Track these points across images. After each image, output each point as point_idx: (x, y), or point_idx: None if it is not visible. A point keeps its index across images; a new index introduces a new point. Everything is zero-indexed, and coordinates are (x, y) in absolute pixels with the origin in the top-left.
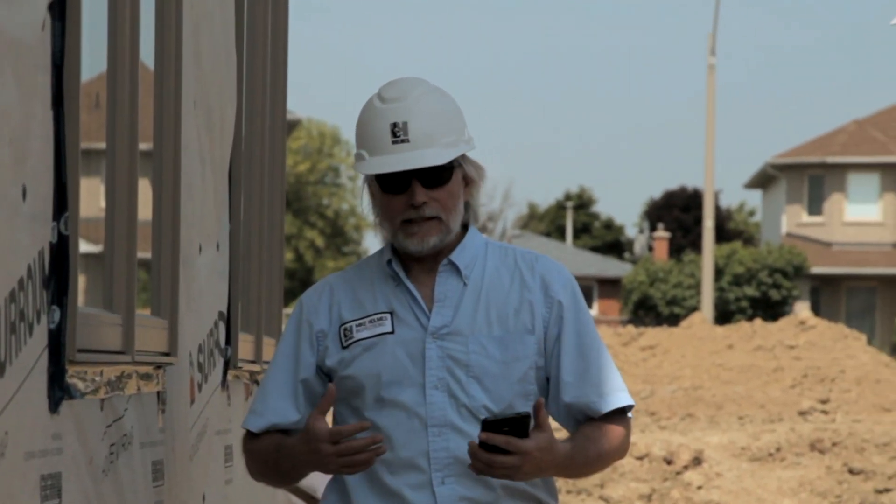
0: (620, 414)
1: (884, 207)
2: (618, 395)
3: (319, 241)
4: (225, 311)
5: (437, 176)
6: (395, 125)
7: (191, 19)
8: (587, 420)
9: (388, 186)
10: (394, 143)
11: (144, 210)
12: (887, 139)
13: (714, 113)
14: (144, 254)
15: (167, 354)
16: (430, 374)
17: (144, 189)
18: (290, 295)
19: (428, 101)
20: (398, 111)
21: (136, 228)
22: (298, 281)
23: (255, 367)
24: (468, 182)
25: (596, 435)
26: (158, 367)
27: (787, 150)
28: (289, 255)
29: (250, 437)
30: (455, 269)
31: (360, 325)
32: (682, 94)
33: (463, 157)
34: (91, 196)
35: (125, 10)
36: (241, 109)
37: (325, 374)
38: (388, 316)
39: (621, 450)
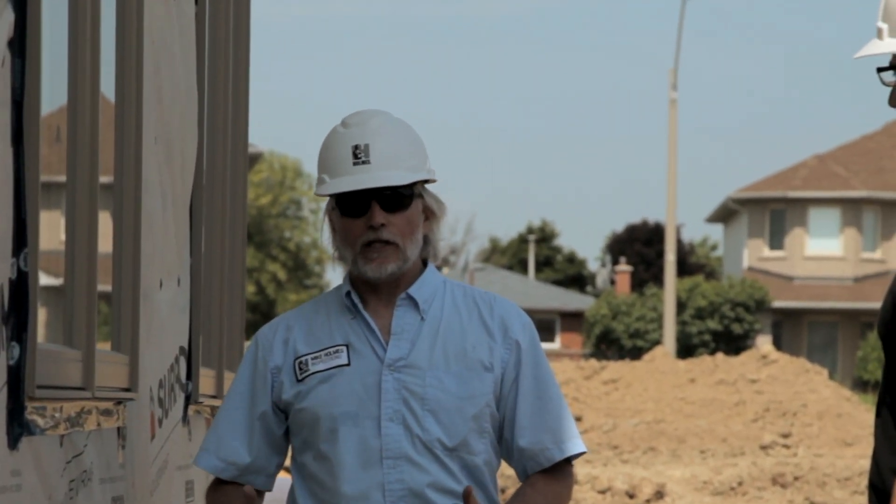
0: (566, 462)
1: (844, 242)
2: (573, 442)
3: (281, 275)
4: (186, 346)
5: (397, 200)
6: (356, 147)
7: (151, 55)
8: (529, 478)
9: (348, 209)
10: (354, 164)
11: (105, 243)
12: (848, 174)
13: (676, 147)
14: (105, 286)
15: (128, 390)
16: (386, 407)
17: (105, 222)
18: (252, 328)
19: (390, 127)
20: (360, 134)
21: (96, 263)
22: (260, 314)
23: (217, 402)
24: (428, 215)
25: (539, 502)
26: (119, 402)
27: (748, 184)
28: (251, 289)
29: (217, 484)
30: (413, 303)
31: (315, 357)
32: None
33: (424, 188)
34: (51, 229)
35: (86, 42)
36: (203, 143)
37: (281, 410)
38: (345, 348)
39: None
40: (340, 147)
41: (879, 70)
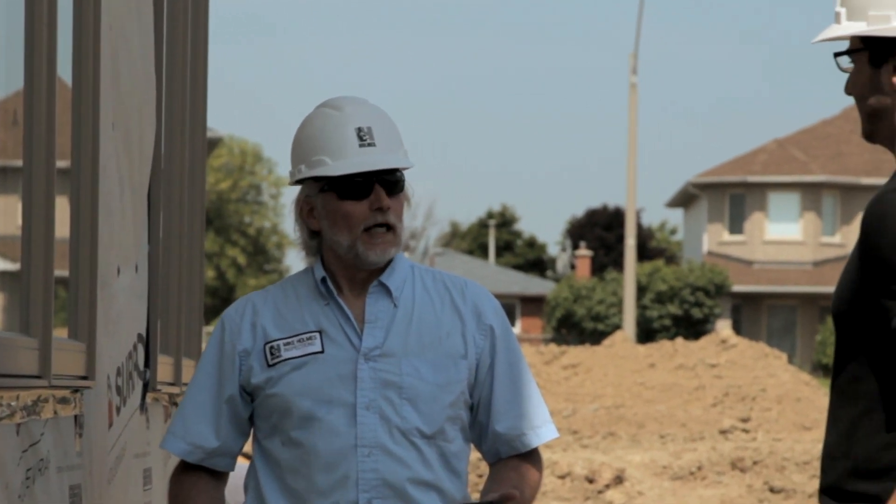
0: (536, 448)
1: (804, 226)
2: (548, 427)
3: (241, 259)
4: (144, 333)
5: (398, 184)
6: (360, 129)
7: (109, 40)
8: (505, 461)
9: (350, 192)
10: (361, 145)
11: (62, 228)
12: (807, 158)
13: (636, 132)
14: (62, 271)
15: (85, 378)
16: (362, 395)
17: (62, 207)
18: (212, 312)
19: (381, 112)
20: (360, 117)
21: (53, 250)
22: (220, 299)
23: (175, 390)
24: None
25: (522, 486)
26: (76, 390)
27: (708, 169)
28: (210, 273)
29: (183, 468)
30: (385, 290)
31: (287, 343)
32: (604, 113)
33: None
34: (8, 214)
35: (42, 26)
36: (161, 129)
37: (248, 393)
38: (318, 335)
39: (539, 487)
40: (342, 129)
41: (836, 55)
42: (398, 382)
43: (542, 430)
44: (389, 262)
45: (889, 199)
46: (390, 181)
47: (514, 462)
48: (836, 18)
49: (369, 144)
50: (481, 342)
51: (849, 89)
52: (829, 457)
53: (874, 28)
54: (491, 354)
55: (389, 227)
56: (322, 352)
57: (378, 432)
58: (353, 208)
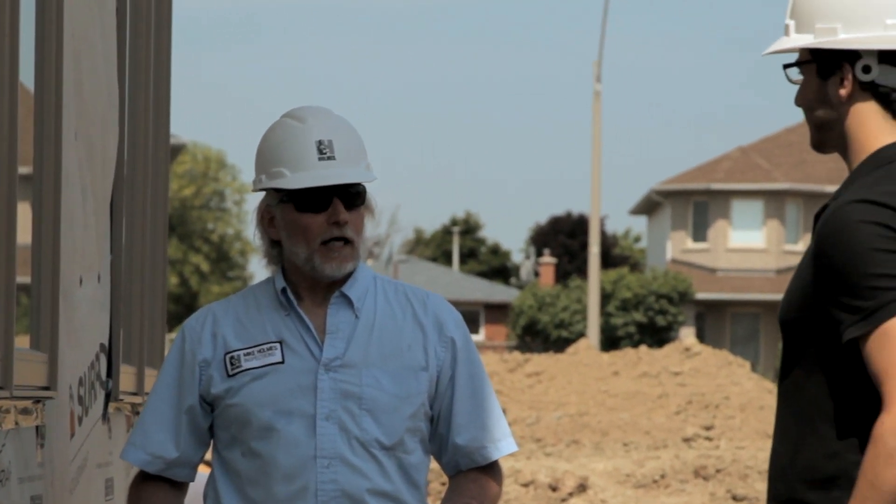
0: (495, 461)
1: (767, 234)
2: (507, 441)
3: (204, 266)
4: (106, 343)
5: (357, 197)
6: (320, 142)
7: (72, 48)
8: (465, 473)
9: (308, 205)
10: (320, 159)
11: (23, 235)
12: (771, 166)
13: (600, 139)
14: (24, 278)
15: (47, 388)
16: (322, 406)
17: (24, 214)
18: (176, 320)
19: (344, 124)
20: (322, 129)
21: (14, 260)
22: (183, 306)
23: (137, 399)
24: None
25: (482, 498)
26: (38, 401)
27: (671, 176)
28: (173, 280)
29: (142, 479)
30: (347, 301)
31: (248, 353)
32: (569, 121)
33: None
34: None
35: (4, 31)
36: (124, 136)
37: (208, 403)
38: (278, 345)
39: (498, 500)
40: (302, 141)
41: (785, 67)
42: (358, 393)
43: (502, 444)
44: (351, 272)
45: (846, 210)
46: (349, 195)
47: (473, 474)
48: (786, 31)
49: (329, 158)
50: (442, 354)
51: (798, 101)
52: (777, 466)
53: (821, 40)
54: (452, 366)
55: (347, 241)
56: (282, 362)
57: (337, 443)
58: (311, 221)
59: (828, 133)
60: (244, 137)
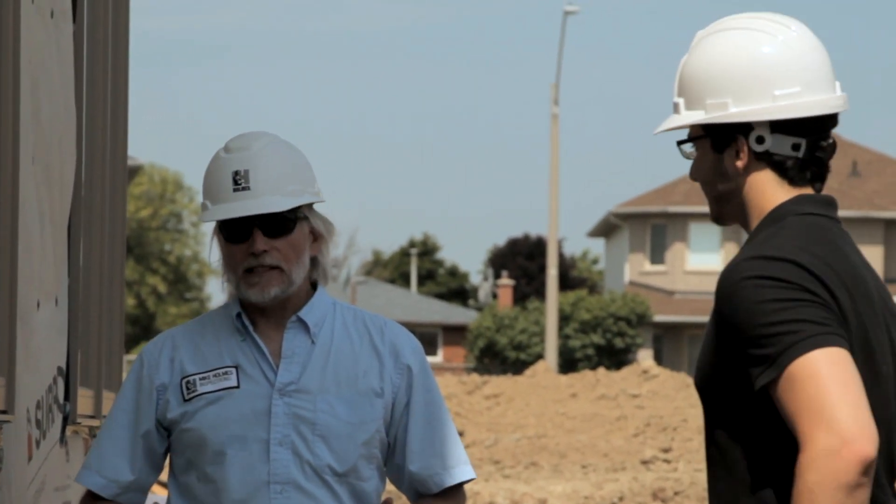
0: (457, 487)
1: (725, 256)
2: (462, 469)
3: (162, 288)
4: (64, 366)
5: (280, 225)
6: (236, 173)
7: (29, 74)
8: (422, 499)
9: (231, 235)
10: (235, 190)
11: None
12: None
13: (558, 162)
14: None
15: (4, 412)
16: (276, 431)
17: None
18: (133, 341)
19: (272, 151)
20: (241, 160)
21: None
22: (141, 327)
23: (95, 423)
24: (316, 237)
25: None
26: None
27: (629, 199)
28: (130, 301)
29: (91, 498)
30: (304, 326)
31: (203, 378)
32: (526, 143)
33: (311, 210)
34: None
35: None
36: (81, 158)
37: (165, 428)
38: (234, 370)
39: None
40: (221, 173)
41: (679, 143)
42: (311, 419)
43: (456, 471)
44: (309, 296)
45: (736, 270)
46: (271, 223)
47: (429, 500)
48: (675, 108)
49: (243, 188)
50: (398, 381)
51: (694, 175)
52: None
53: (713, 115)
54: (407, 394)
55: (274, 268)
56: (237, 387)
57: (290, 469)
58: (234, 251)
59: (727, 205)
60: (201, 159)
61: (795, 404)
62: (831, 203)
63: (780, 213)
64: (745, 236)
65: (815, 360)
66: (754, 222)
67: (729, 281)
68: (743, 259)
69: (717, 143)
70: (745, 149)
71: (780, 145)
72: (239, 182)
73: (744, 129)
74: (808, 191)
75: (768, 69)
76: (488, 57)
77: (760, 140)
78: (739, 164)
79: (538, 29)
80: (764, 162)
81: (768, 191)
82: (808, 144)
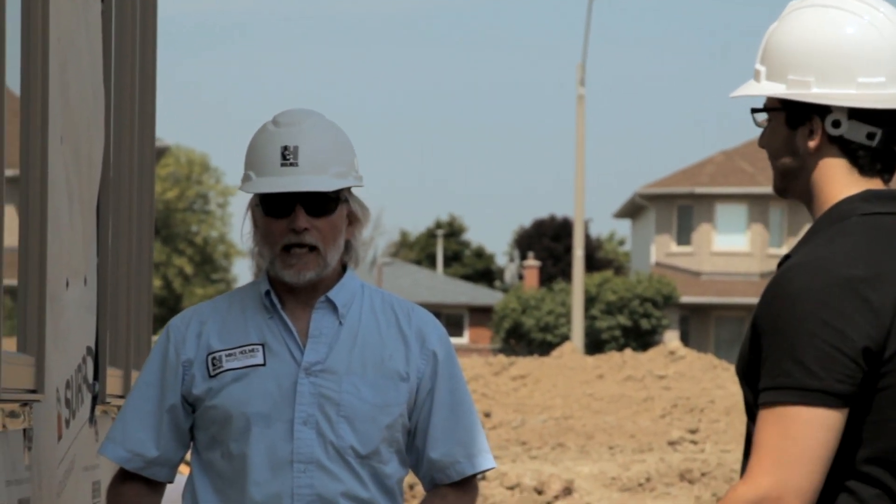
0: (471, 479)
1: (751, 238)
2: (484, 458)
3: (188, 269)
4: (93, 345)
5: (322, 205)
6: (285, 148)
7: (58, 53)
8: (438, 488)
9: (272, 210)
10: (282, 165)
11: (11, 237)
12: (754, 170)
13: (583, 142)
14: (11, 281)
15: (34, 391)
16: (300, 410)
17: (10, 217)
18: (159, 322)
19: (321, 130)
20: (290, 135)
21: (1, 262)
22: (167, 309)
23: (124, 402)
24: (352, 220)
25: None
26: (25, 404)
27: (655, 180)
28: (157, 283)
29: (121, 479)
30: (332, 306)
31: (230, 355)
32: (552, 124)
33: (350, 193)
34: None
35: None
36: (109, 140)
37: (189, 404)
38: (260, 348)
39: None
40: (270, 146)
41: (754, 111)
42: (337, 399)
43: (478, 460)
44: (339, 277)
45: (790, 277)
46: (314, 202)
47: (444, 490)
48: (756, 76)
49: (291, 164)
50: (423, 367)
51: (763, 143)
52: None
53: (793, 92)
54: (431, 380)
55: (312, 248)
56: (263, 364)
57: (314, 448)
58: (274, 226)
59: (792, 181)
60: (228, 140)
61: (764, 439)
62: None
63: (844, 211)
64: (771, 218)
65: (802, 416)
66: (817, 210)
67: (778, 286)
68: (799, 264)
69: (791, 118)
70: (820, 130)
71: (856, 132)
72: (287, 157)
73: (821, 110)
74: (877, 183)
75: (856, 55)
76: (515, 37)
77: (836, 124)
78: (812, 143)
79: (565, 9)
80: (836, 146)
81: (836, 178)
82: (883, 135)
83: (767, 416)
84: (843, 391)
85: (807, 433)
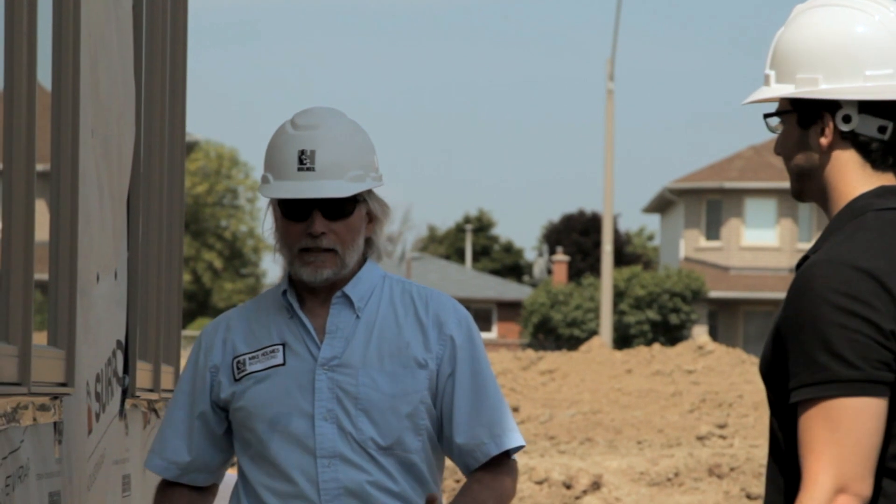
0: (506, 456)
1: (780, 232)
2: (509, 436)
3: (218, 263)
4: (123, 339)
5: (339, 208)
6: (302, 152)
7: (89, 48)
8: (473, 473)
9: (289, 213)
10: (299, 169)
11: (41, 232)
12: (784, 165)
13: (613, 137)
14: (41, 275)
15: (64, 385)
16: (319, 405)
17: (41, 212)
18: (189, 317)
19: (340, 132)
20: (308, 139)
21: (32, 257)
22: (196, 303)
23: (153, 396)
24: (372, 218)
25: (484, 497)
26: (55, 397)
27: (685, 175)
28: (186, 277)
29: (165, 484)
30: (348, 301)
31: (253, 357)
32: (581, 119)
33: (369, 192)
34: None
35: (22, 30)
36: (140, 135)
37: (221, 409)
38: (281, 348)
39: (511, 499)
40: (287, 149)
41: (766, 116)
42: (354, 393)
43: (503, 439)
44: (356, 272)
45: (817, 273)
46: (331, 206)
47: (479, 474)
48: (766, 80)
49: (308, 169)
50: (440, 352)
51: (778, 149)
52: None
53: (802, 91)
54: (451, 364)
55: (329, 250)
56: (283, 364)
57: (336, 442)
58: (291, 229)
59: (808, 182)
60: (256, 134)
61: (812, 440)
62: None
63: (860, 208)
64: (800, 213)
65: (849, 407)
66: (834, 207)
67: (802, 284)
68: (820, 261)
69: (803, 118)
70: (831, 126)
71: (867, 126)
72: (304, 162)
73: (831, 106)
74: (889, 177)
75: (862, 48)
76: (544, 32)
77: (847, 119)
78: (824, 141)
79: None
80: (848, 142)
81: (850, 174)
82: (894, 127)
83: (813, 413)
84: (884, 378)
85: (856, 424)
